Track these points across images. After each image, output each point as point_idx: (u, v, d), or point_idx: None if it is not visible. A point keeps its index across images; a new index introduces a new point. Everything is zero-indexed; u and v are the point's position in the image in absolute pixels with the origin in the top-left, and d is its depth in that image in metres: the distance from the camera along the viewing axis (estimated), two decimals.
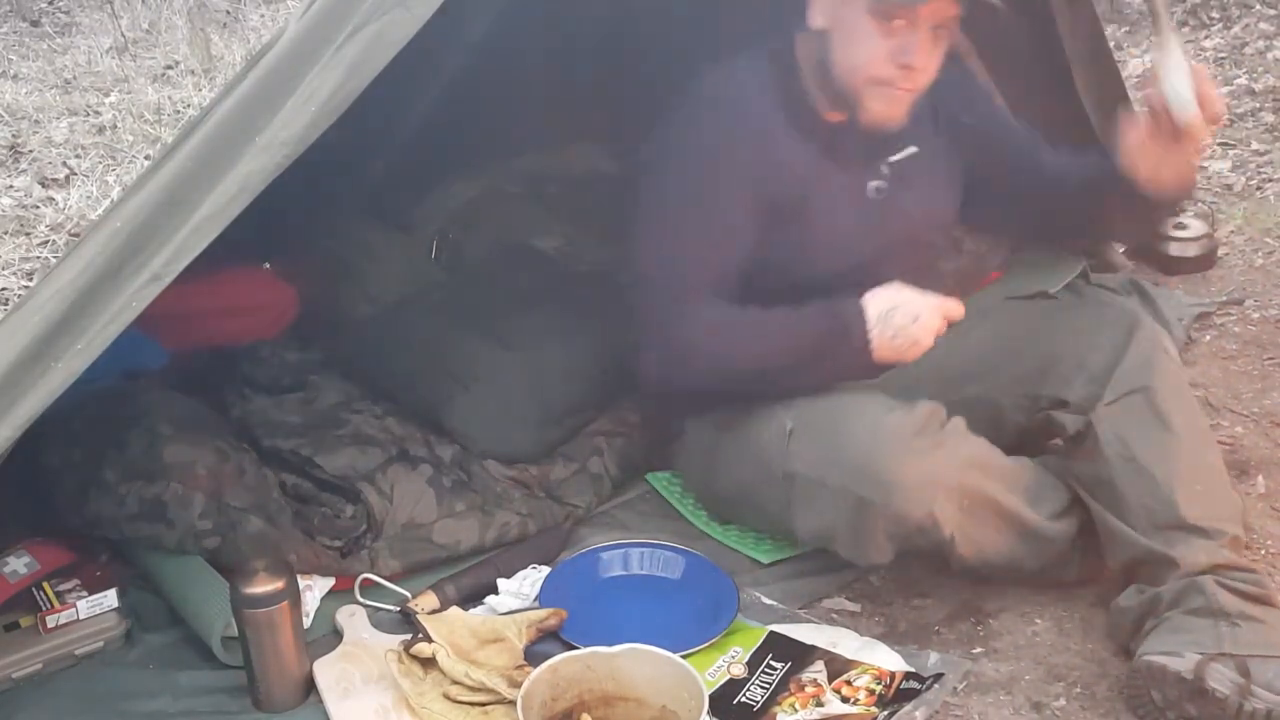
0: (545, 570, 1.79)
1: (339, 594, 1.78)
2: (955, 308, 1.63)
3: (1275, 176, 3.39)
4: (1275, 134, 3.74)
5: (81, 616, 1.66)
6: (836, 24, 1.64)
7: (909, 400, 1.65)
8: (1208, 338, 2.48)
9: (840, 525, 1.59)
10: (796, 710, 1.50)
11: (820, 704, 1.50)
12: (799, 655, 1.59)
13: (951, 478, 1.56)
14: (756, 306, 1.71)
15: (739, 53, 1.75)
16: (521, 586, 1.77)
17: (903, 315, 1.61)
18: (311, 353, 2.30)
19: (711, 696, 1.46)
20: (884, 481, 1.53)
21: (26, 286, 3.13)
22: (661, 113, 1.77)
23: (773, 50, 1.74)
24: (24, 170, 4.12)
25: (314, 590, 1.76)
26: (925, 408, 1.62)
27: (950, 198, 1.87)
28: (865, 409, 1.63)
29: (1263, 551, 1.79)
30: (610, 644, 1.45)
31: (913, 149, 1.76)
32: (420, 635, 1.55)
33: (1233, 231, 3.01)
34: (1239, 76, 4.30)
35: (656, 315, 1.72)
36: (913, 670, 1.57)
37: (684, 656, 1.48)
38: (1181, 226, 2.81)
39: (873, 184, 1.75)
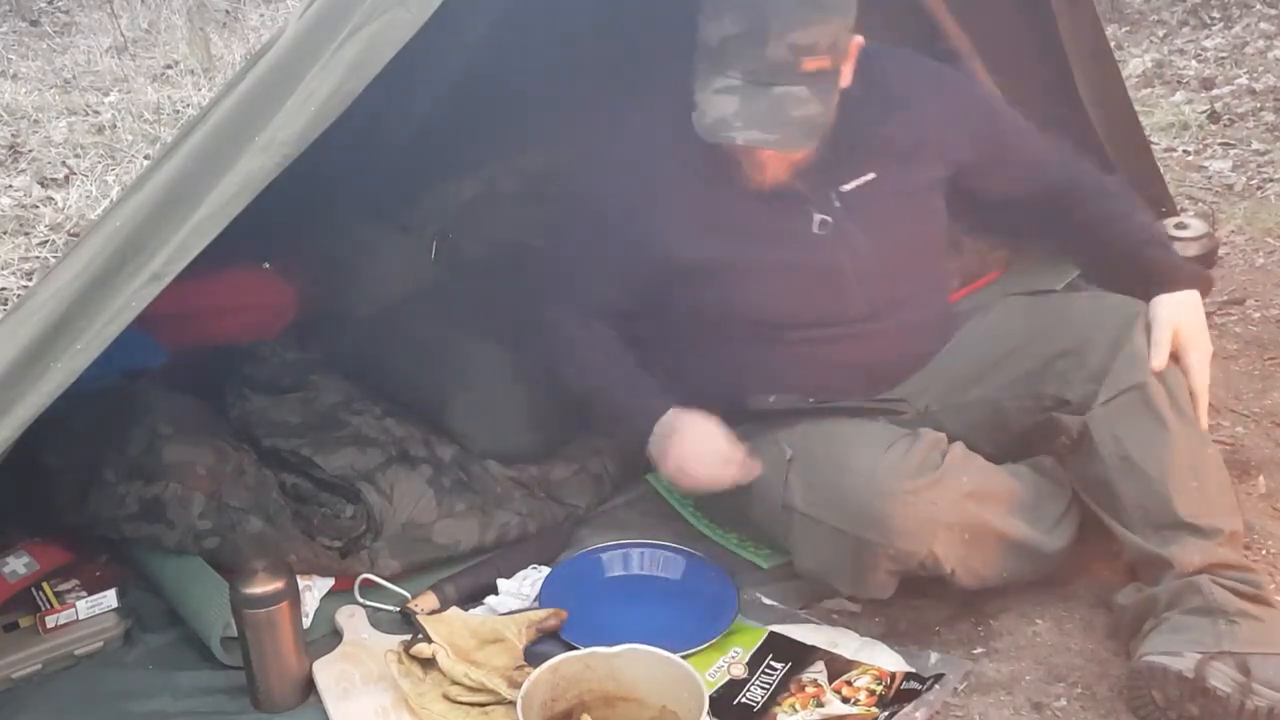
0: (545, 570, 1.79)
1: (339, 594, 1.78)
2: (750, 471, 1.65)
3: (1275, 176, 3.39)
4: (1275, 134, 3.74)
5: (81, 616, 1.66)
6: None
7: (912, 427, 1.65)
8: None
9: (840, 563, 1.59)
10: (797, 711, 1.49)
11: (820, 704, 1.50)
12: (799, 655, 1.59)
13: (951, 515, 1.54)
14: (609, 346, 1.78)
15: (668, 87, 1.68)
16: (521, 586, 1.77)
17: (696, 458, 1.67)
18: (311, 353, 2.29)
19: (711, 697, 1.46)
20: (883, 525, 1.52)
21: (26, 286, 3.13)
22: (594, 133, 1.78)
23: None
24: (23, 170, 4.12)
25: (314, 590, 1.76)
26: (926, 441, 1.59)
27: (922, 222, 1.77)
28: (864, 443, 1.59)
29: (1263, 551, 1.78)
30: (610, 644, 1.45)
31: (870, 175, 1.69)
32: (420, 635, 1.55)
33: (1233, 231, 3.01)
34: (1239, 76, 4.30)
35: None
36: (913, 670, 1.57)
37: (684, 657, 1.48)
38: (1182, 226, 2.79)
39: (818, 218, 1.68)
